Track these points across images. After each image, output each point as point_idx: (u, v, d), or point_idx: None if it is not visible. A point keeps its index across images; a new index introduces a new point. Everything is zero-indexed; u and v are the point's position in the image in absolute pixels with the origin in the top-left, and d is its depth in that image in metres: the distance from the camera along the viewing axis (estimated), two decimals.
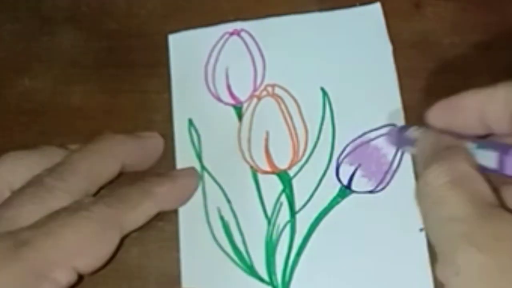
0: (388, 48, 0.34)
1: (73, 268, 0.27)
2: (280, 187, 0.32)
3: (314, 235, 0.31)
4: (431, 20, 0.34)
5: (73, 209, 0.28)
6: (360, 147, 0.32)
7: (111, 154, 0.31)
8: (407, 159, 0.32)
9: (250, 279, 0.31)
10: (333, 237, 0.31)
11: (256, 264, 0.31)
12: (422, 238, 0.30)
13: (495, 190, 0.24)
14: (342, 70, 0.34)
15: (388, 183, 0.31)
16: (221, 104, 0.34)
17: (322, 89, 0.34)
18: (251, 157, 0.33)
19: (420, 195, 0.25)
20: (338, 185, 0.32)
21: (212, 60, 0.35)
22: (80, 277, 0.28)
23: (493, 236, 0.21)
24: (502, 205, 0.23)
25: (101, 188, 0.31)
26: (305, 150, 0.33)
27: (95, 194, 0.30)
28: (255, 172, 0.33)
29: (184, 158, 0.33)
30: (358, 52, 0.34)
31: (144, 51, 0.36)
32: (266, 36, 0.35)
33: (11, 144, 0.34)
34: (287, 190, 0.32)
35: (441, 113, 0.28)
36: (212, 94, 0.34)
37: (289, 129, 0.33)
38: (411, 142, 0.29)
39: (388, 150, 0.32)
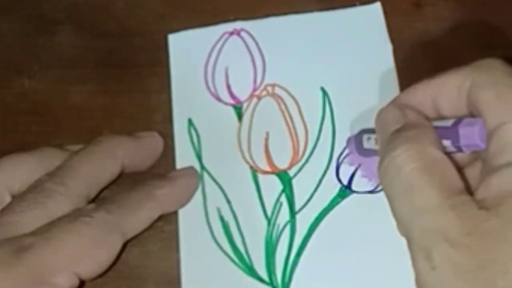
0: (388, 48, 0.34)
1: (75, 274, 0.27)
2: (280, 187, 0.32)
3: (314, 235, 0.31)
4: (431, 20, 0.34)
5: (75, 215, 0.28)
6: None
7: (111, 155, 0.31)
8: None
9: (250, 279, 0.31)
10: (333, 237, 0.31)
11: (256, 264, 0.31)
12: None
13: (460, 172, 0.24)
14: (342, 70, 0.34)
15: None
16: (221, 104, 0.34)
17: (322, 89, 0.34)
18: (251, 157, 0.33)
19: (387, 178, 0.24)
20: (338, 185, 0.32)
21: (212, 60, 0.35)
22: (82, 283, 0.28)
23: (465, 231, 0.21)
24: (467, 188, 0.23)
25: (102, 189, 0.31)
26: (305, 150, 0.33)
27: (97, 196, 0.30)
28: (255, 172, 0.33)
29: (184, 158, 0.33)
30: (358, 52, 0.34)
31: (144, 51, 0.36)
32: (266, 36, 0.35)
33: (10, 144, 0.34)
34: (287, 190, 0.32)
35: (395, 111, 0.27)
36: (212, 94, 0.34)
37: (289, 129, 0.33)
38: (367, 152, 0.29)
39: None
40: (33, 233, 0.27)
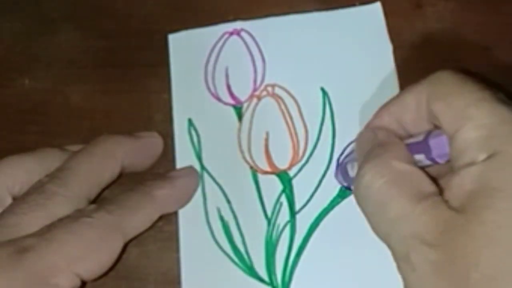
0: (389, 48, 0.34)
1: (76, 274, 0.27)
2: (280, 187, 0.32)
3: (314, 236, 0.31)
4: (431, 20, 0.34)
5: (75, 216, 0.28)
6: None
7: (111, 155, 0.31)
8: None
9: (250, 279, 0.31)
10: (333, 238, 0.31)
11: (256, 264, 0.31)
12: None
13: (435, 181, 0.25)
14: (342, 70, 0.34)
15: None
16: (221, 104, 0.34)
17: (322, 89, 0.34)
18: (251, 157, 0.33)
19: (360, 198, 0.25)
20: (338, 186, 0.32)
21: (212, 60, 0.35)
22: (83, 283, 0.28)
23: (437, 231, 0.22)
24: (441, 193, 0.24)
25: (103, 190, 0.31)
26: (305, 150, 0.33)
27: (97, 196, 0.30)
28: (255, 172, 0.33)
29: (184, 158, 0.33)
30: (358, 52, 0.34)
31: (144, 51, 0.36)
32: (266, 36, 0.35)
33: (10, 144, 0.35)
34: (287, 190, 0.32)
35: (368, 133, 0.28)
36: (212, 94, 0.34)
37: (289, 129, 0.33)
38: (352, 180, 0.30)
39: None
40: (34, 235, 0.27)
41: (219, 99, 0.34)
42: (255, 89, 0.34)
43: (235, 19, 0.36)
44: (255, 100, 0.34)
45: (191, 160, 0.33)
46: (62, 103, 0.36)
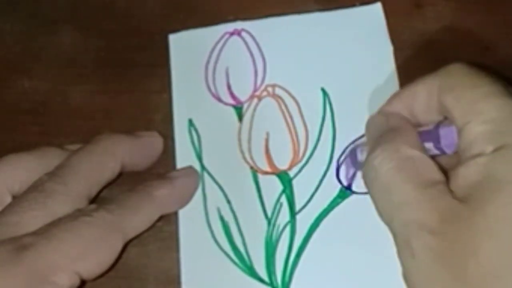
0: (389, 48, 0.34)
1: (76, 273, 0.27)
2: (280, 187, 0.32)
3: (314, 236, 0.31)
4: (431, 20, 0.34)
5: (75, 215, 0.28)
6: None
7: (111, 154, 0.31)
8: None
9: (250, 279, 0.31)
10: (333, 238, 0.31)
11: (256, 264, 0.31)
12: None
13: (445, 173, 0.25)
14: (343, 71, 0.34)
15: None
16: (221, 104, 0.34)
17: (323, 90, 0.34)
18: (251, 158, 0.33)
19: (368, 180, 0.26)
20: (338, 186, 0.32)
21: (212, 60, 0.35)
22: (83, 283, 0.28)
23: (440, 219, 0.22)
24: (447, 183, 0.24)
25: (102, 188, 0.31)
26: (305, 150, 0.33)
27: (96, 196, 0.30)
28: (255, 172, 0.33)
29: (184, 158, 0.33)
30: (358, 52, 0.34)
31: (144, 51, 0.36)
32: (267, 36, 0.35)
33: (10, 144, 0.34)
34: (287, 191, 0.32)
35: (379, 118, 0.29)
36: (213, 94, 0.34)
37: (290, 130, 0.33)
38: (362, 164, 0.30)
39: None
40: (33, 233, 0.27)
41: (219, 99, 0.34)
42: (255, 89, 0.34)
43: (235, 19, 0.35)
44: (255, 100, 0.34)
45: (191, 160, 0.33)
46: (62, 103, 0.36)
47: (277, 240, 0.31)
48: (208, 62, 0.35)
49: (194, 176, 0.33)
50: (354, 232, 0.31)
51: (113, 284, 0.31)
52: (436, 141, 0.26)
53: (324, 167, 0.32)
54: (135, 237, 0.30)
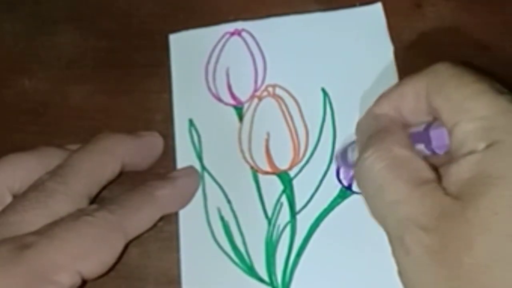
0: (389, 48, 0.34)
1: (77, 272, 0.27)
2: (280, 187, 0.32)
3: (315, 236, 0.31)
4: (432, 20, 0.34)
5: (77, 215, 0.28)
6: None
7: (111, 153, 0.31)
8: None
9: (250, 279, 0.31)
10: (334, 238, 0.31)
11: (256, 264, 0.31)
12: None
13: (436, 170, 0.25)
14: (343, 71, 0.34)
15: None
16: (221, 105, 0.34)
17: (323, 90, 0.34)
18: (252, 158, 0.33)
19: (360, 180, 0.26)
20: (339, 186, 0.32)
21: (212, 60, 0.35)
22: (84, 283, 0.28)
23: (433, 216, 0.22)
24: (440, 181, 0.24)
25: (103, 188, 0.31)
26: (305, 150, 0.33)
27: (97, 195, 0.30)
28: (255, 172, 0.33)
29: (184, 158, 0.33)
30: (359, 52, 0.34)
31: (144, 51, 0.36)
32: (267, 36, 0.35)
33: (10, 144, 0.34)
34: (288, 191, 0.32)
35: (369, 119, 0.29)
36: (213, 95, 0.34)
37: (290, 130, 0.33)
38: (351, 164, 0.30)
39: None
40: (35, 232, 0.27)
41: (219, 100, 0.34)
42: (256, 90, 0.34)
43: (236, 19, 0.35)
44: (256, 100, 0.34)
45: (192, 160, 0.33)
46: (62, 103, 0.36)
47: (278, 240, 0.31)
48: (208, 62, 0.35)
49: (194, 176, 0.33)
50: (354, 232, 0.31)
51: (113, 284, 0.31)
52: (428, 143, 0.26)
53: (324, 167, 0.32)
54: (136, 237, 0.30)
